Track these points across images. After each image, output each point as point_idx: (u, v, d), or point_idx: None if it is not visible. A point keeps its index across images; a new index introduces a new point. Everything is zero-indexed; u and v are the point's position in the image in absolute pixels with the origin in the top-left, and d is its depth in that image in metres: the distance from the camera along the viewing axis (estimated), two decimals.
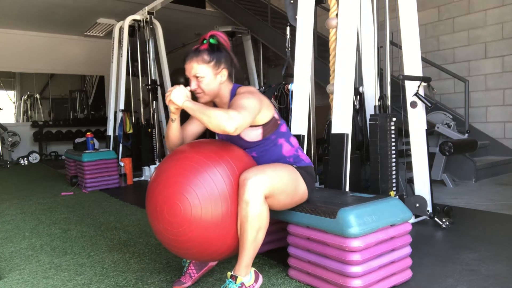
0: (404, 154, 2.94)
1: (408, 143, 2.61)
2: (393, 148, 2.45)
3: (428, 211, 2.48)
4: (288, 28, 3.86)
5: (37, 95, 9.36)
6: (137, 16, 5.43)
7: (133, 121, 5.58)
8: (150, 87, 5.49)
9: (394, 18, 2.54)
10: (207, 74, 1.66)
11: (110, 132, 5.39)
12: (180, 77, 8.48)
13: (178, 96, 1.55)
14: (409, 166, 2.69)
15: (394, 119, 2.45)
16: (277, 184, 1.52)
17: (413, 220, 2.55)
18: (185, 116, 1.59)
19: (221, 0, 7.07)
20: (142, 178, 5.00)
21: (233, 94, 1.73)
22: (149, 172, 4.96)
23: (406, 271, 1.67)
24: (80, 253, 2.22)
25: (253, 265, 1.55)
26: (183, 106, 1.55)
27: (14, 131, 8.17)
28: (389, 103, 2.52)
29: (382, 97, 2.56)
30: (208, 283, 1.74)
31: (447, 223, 2.47)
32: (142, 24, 5.44)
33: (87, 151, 4.42)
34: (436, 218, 2.48)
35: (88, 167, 4.25)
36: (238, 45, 6.60)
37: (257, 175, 1.47)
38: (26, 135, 8.56)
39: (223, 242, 1.49)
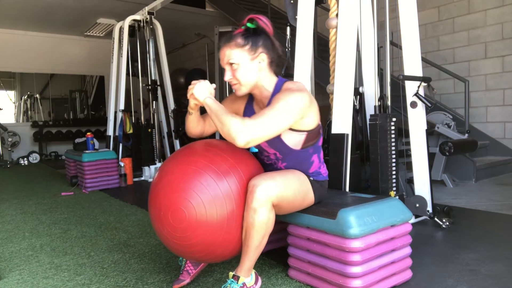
0: (404, 154, 2.93)
1: (408, 143, 2.61)
2: (393, 148, 2.45)
3: (428, 211, 2.48)
4: (288, 28, 3.86)
5: (37, 95, 9.36)
6: (137, 16, 5.44)
7: (133, 121, 5.57)
8: (150, 87, 5.50)
9: (394, 18, 2.54)
10: (242, 60, 1.47)
11: (110, 132, 5.39)
12: (180, 77, 8.51)
13: (201, 91, 1.43)
14: (409, 166, 2.69)
15: (394, 119, 2.45)
16: (285, 194, 1.47)
17: (413, 220, 2.55)
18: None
19: (221, 0, 7.07)
20: (142, 178, 5.00)
21: (277, 89, 1.53)
22: (149, 172, 4.96)
23: (406, 271, 1.67)
24: (80, 253, 2.22)
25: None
26: (203, 103, 1.43)
27: (14, 131, 8.17)
28: (389, 103, 2.52)
29: (382, 97, 2.56)
30: (208, 283, 1.74)
31: (447, 223, 2.46)
32: (142, 24, 5.44)
33: (87, 151, 4.42)
34: (436, 218, 2.48)
35: (88, 167, 4.24)
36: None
37: (266, 182, 1.42)
38: (26, 135, 8.56)
39: (227, 245, 1.49)
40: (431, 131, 3.99)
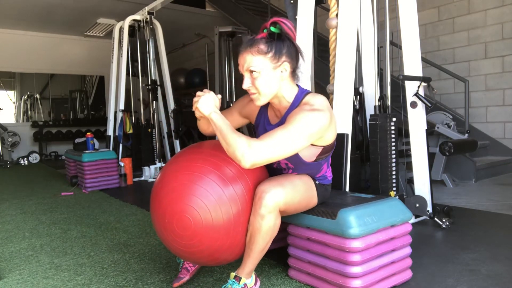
0: (404, 154, 2.94)
1: (408, 143, 2.61)
2: (393, 148, 2.45)
3: (428, 211, 2.48)
4: None
5: (37, 95, 9.36)
6: (137, 16, 5.43)
7: (133, 121, 5.57)
8: (150, 87, 5.50)
9: (394, 18, 2.54)
10: (264, 68, 1.36)
11: (110, 132, 5.38)
12: (180, 77, 8.51)
13: (206, 104, 1.35)
14: (409, 166, 2.69)
15: (394, 119, 2.45)
16: (293, 200, 1.47)
17: (413, 220, 2.55)
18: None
19: (221, 0, 7.07)
20: (142, 178, 5.00)
21: (297, 101, 1.44)
22: (149, 172, 4.96)
23: (406, 271, 1.67)
24: (80, 253, 2.22)
25: None
26: (208, 117, 1.35)
27: (14, 131, 8.17)
28: (389, 103, 2.52)
29: (382, 97, 2.56)
30: (208, 283, 1.74)
31: (447, 223, 2.46)
32: (142, 24, 5.44)
33: (87, 151, 4.41)
34: (436, 218, 2.48)
35: (88, 167, 4.24)
36: (238, 45, 6.61)
37: (275, 189, 1.40)
38: (26, 135, 8.55)
39: (233, 250, 1.49)
40: (431, 131, 3.99)
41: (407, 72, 2.51)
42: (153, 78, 5.54)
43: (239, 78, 6.95)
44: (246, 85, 1.40)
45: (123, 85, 5.33)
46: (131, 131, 5.49)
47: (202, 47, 8.21)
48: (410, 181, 2.74)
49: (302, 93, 1.47)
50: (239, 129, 1.57)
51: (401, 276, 1.65)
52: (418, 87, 2.48)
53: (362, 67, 2.77)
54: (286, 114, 1.47)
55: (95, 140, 5.48)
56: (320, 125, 1.35)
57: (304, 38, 2.58)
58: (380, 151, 2.42)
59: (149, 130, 5.46)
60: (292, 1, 2.80)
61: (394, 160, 2.45)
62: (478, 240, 2.22)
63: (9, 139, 7.90)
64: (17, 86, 9.34)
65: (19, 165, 7.50)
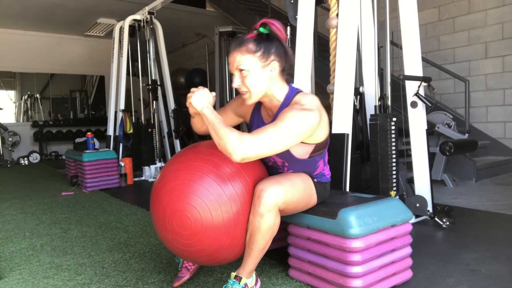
0: (405, 154, 2.94)
1: (408, 143, 2.61)
2: (393, 148, 2.45)
3: (428, 211, 2.48)
4: (288, 28, 3.85)
5: (38, 95, 9.36)
6: (137, 16, 5.44)
7: (133, 121, 5.58)
8: (150, 87, 5.50)
9: (394, 18, 2.54)
10: (253, 67, 1.39)
11: (110, 132, 5.39)
12: (180, 77, 8.51)
13: (199, 100, 1.39)
14: (409, 166, 2.69)
15: (394, 119, 2.45)
16: (292, 199, 1.47)
17: (413, 220, 2.55)
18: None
19: (221, 0, 7.07)
20: (143, 178, 5.00)
21: (288, 100, 1.48)
22: (149, 172, 4.96)
23: (406, 271, 1.67)
24: (81, 253, 2.23)
25: None
26: (201, 112, 1.39)
27: (15, 131, 8.17)
28: (389, 103, 2.52)
29: (382, 97, 2.56)
30: (208, 283, 1.74)
31: (448, 223, 2.47)
32: (142, 24, 5.44)
33: (87, 151, 4.42)
34: (436, 218, 2.48)
35: (88, 167, 4.25)
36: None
37: (274, 187, 1.41)
38: (27, 135, 8.56)
39: (233, 249, 1.49)
40: (431, 131, 3.99)
41: (408, 72, 2.51)
42: (153, 78, 5.54)
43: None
44: (236, 83, 1.43)
45: (123, 85, 5.33)
46: (131, 131, 5.49)
47: (202, 47, 8.21)
48: (411, 181, 2.74)
49: (292, 92, 1.50)
50: (237, 127, 1.59)
51: (401, 276, 1.65)
52: (419, 87, 2.48)
53: (362, 67, 2.77)
54: (278, 112, 1.50)
55: (95, 140, 5.48)
56: (309, 124, 1.38)
57: (304, 38, 2.58)
58: (381, 151, 2.42)
59: (149, 130, 5.46)
60: (292, 1, 2.79)
61: (394, 160, 2.45)
62: (478, 240, 2.22)
63: (10, 139, 7.91)
64: (18, 86, 9.34)
65: (20, 165, 7.51)
